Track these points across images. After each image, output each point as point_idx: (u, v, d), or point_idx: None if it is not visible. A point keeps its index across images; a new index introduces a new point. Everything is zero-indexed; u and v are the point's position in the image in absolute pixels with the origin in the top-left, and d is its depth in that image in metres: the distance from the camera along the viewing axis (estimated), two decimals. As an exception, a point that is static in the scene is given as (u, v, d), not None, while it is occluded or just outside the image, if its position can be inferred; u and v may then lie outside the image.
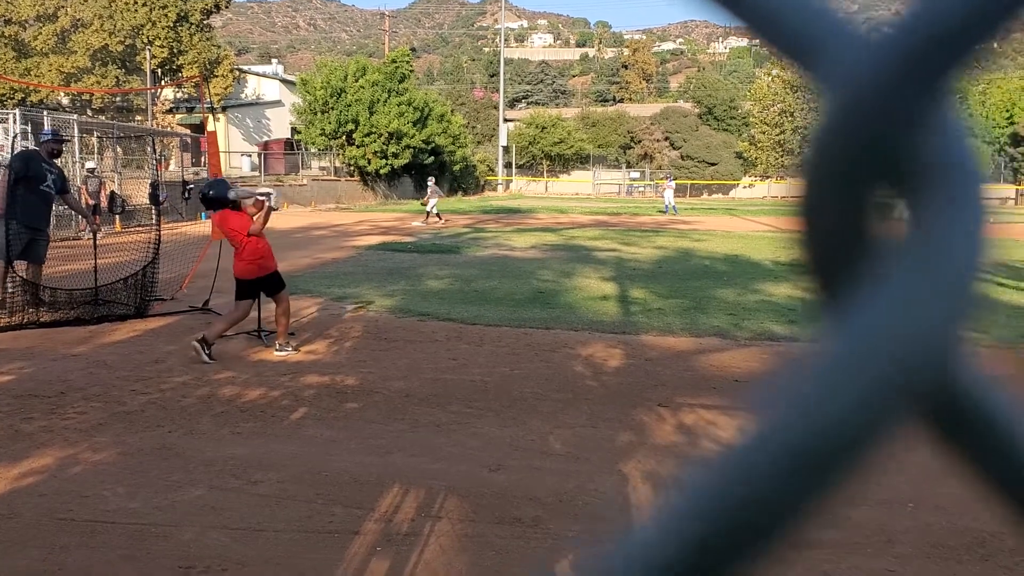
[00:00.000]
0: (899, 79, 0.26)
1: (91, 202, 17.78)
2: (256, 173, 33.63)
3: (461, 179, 47.07)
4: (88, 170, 18.60)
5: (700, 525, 0.26)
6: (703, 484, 0.26)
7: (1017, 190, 46.24)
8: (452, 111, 46.13)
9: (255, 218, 7.19)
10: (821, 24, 0.28)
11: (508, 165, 56.22)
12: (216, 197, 7.24)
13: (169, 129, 32.55)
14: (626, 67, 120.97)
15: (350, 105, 36.31)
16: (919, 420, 0.27)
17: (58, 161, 9.51)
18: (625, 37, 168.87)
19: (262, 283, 7.23)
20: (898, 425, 0.25)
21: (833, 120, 0.27)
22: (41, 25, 34.45)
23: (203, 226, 12.34)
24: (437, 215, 24.64)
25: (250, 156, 38.48)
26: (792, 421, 0.25)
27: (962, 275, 0.26)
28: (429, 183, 25.77)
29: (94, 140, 22.35)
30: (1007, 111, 46.86)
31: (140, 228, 13.07)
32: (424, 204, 25.00)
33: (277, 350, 7.13)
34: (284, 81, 47.33)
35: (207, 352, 6.88)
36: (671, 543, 0.26)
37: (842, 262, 0.29)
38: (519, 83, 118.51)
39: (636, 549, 0.26)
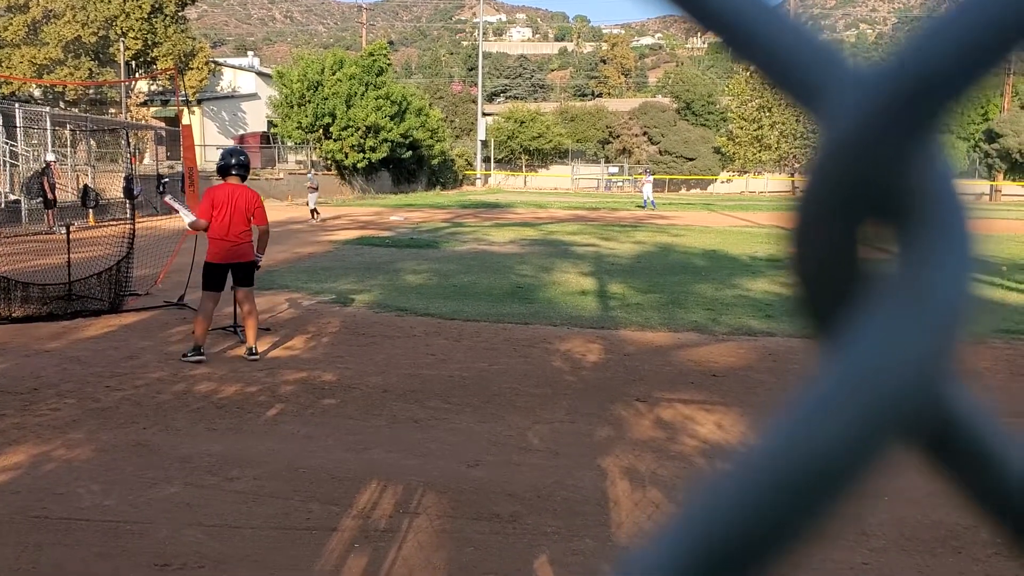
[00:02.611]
0: (891, 117, 0.27)
1: (51, 196, 17.59)
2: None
3: (439, 173, 46.92)
4: (46, 162, 18.34)
5: (696, 549, 0.26)
6: (700, 510, 0.26)
7: (992, 186, 46.77)
8: (430, 105, 45.97)
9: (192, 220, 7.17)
10: (817, 61, 0.29)
11: (487, 159, 56.11)
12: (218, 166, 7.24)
13: (143, 122, 32.23)
14: (604, 62, 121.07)
15: (327, 98, 36.09)
16: (911, 448, 0.28)
17: (28, 153, 9.42)
18: (604, 32, 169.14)
19: (229, 269, 7.04)
20: (890, 453, 0.26)
21: (826, 155, 0.28)
22: (12, 16, 33.99)
23: (178, 220, 12.23)
24: (313, 211, 22.73)
25: (226, 150, 38.12)
26: (786, 448, 0.26)
27: (951, 306, 0.27)
28: (308, 175, 24.61)
29: (67, 133, 22.09)
30: (982, 107, 47.39)
31: (114, 222, 12.93)
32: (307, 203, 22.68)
33: (249, 355, 6.97)
34: (260, 74, 46.95)
35: (197, 353, 6.76)
36: (670, 562, 0.26)
37: (834, 294, 0.29)
38: (498, 77, 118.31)
39: (636, 569, 0.26)
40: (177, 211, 7.50)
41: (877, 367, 0.26)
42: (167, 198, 7.87)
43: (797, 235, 0.29)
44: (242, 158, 7.27)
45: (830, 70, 0.29)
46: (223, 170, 7.17)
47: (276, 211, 25.66)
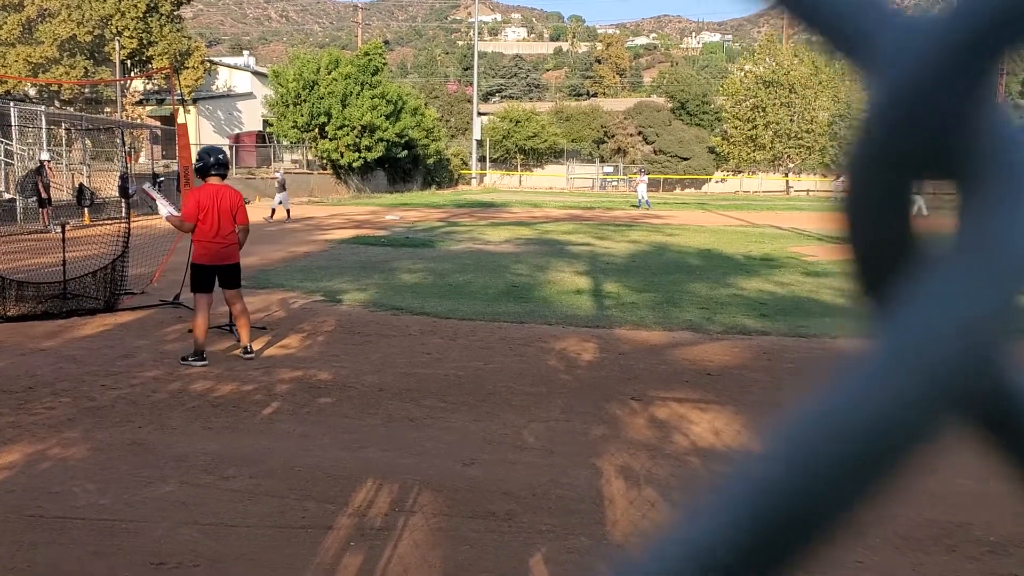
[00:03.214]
0: (947, 68, 0.26)
1: (44, 195, 17.55)
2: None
3: (435, 173, 46.91)
4: (40, 161, 18.27)
5: (741, 522, 0.25)
6: (745, 481, 0.26)
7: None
8: (426, 104, 45.95)
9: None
10: (868, 13, 0.28)
11: (482, 159, 56.10)
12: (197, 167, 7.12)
13: (139, 121, 32.16)
14: (599, 61, 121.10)
15: (323, 98, 36.05)
16: (965, 419, 0.27)
17: (24, 152, 9.41)
18: (598, 31, 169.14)
19: (216, 271, 6.97)
20: (945, 424, 0.25)
21: (880, 110, 0.27)
22: (7, 14, 33.86)
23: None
24: (273, 210, 22.29)
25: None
26: (838, 420, 0.25)
27: (1013, 270, 0.25)
28: (277, 174, 24.30)
29: (62, 132, 22.03)
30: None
31: (109, 221, 12.91)
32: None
33: (244, 354, 6.96)
34: (256, 73, 46.86)
35: (200, 359, 6.70)
36: (710, 542, 0.25)
37: (889, 257, 0.28)
38: (493, 77, 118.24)
39: (674, 548, 0.26)
40: (155, 199, 7.40)
41: (934, 333, 0.25)
42: (145, 186, 7.84)
43: (850, 193, 0.28)
44: (221, 156, 7.17)
45: (882, 20, 0.28)
46: (203, 171, 7.04)
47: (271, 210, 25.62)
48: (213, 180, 7.03)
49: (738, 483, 0.26)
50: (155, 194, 7.50)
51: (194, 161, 7.27)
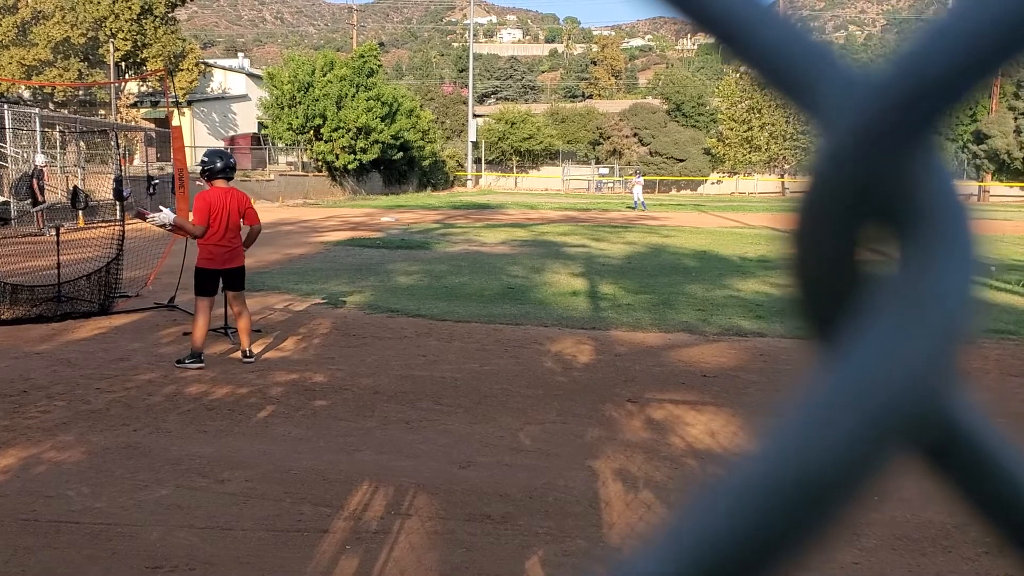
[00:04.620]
0: (891, 120, 0.27)
1: (41, 198, 17.53)
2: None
3: (430, 174, 46.91)
4: (35, 165, 18.22)
5: (693, 559, 0.26)
6: (697, 518, 0.26)
7: (980, 187, 46.96)
8: (421, 106, 45.95)
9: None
10: (816, 63, 0.29)
11: (477, 161, 56.11)
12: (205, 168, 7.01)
13: (133, 123, 32.11)
14: (595, 63, 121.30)
15: (318, 100, 36.03)
16: (911, 455, 0.28)
17: (18, 155, 9.38)
18: (594, 33, 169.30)
19: (221, 275, 6.93)
20: (890, 460, 0.26)
21: (825, 160, 0.28)
22: (1, 17, 33.80)
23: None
24: None
25: (216, 151, 37.97)
26: (786, 458, 0.26)
27: (952, 312, 0.27)
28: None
29: (57, 134, 21.98)
30: (970, 108, 47.57)
31: (103, 224, 12.89)
32: None
33: (244, 358, 6.93)
34: (250, 75, 46.85)
35: (197, 361, 6.65)
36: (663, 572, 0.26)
37: (834, 299, 0.29)
38: (488, 78, 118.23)
39: None
40: (161, 212, 7.23)
41: (878, 374, 0.26)
42: (139, 211, 7.67)
43: (796, 239, 0.29)
44: (230, 160, 7.13)
45: (828, 73, 0.29)
46: (212, 174, 6.94)
47: (267, 212, 25.58)
48: (220, 183, 6.96)
49: (685, 522, 0.26)
50: (150, 213, 7.31)
51: (201, 163, 7.12)
